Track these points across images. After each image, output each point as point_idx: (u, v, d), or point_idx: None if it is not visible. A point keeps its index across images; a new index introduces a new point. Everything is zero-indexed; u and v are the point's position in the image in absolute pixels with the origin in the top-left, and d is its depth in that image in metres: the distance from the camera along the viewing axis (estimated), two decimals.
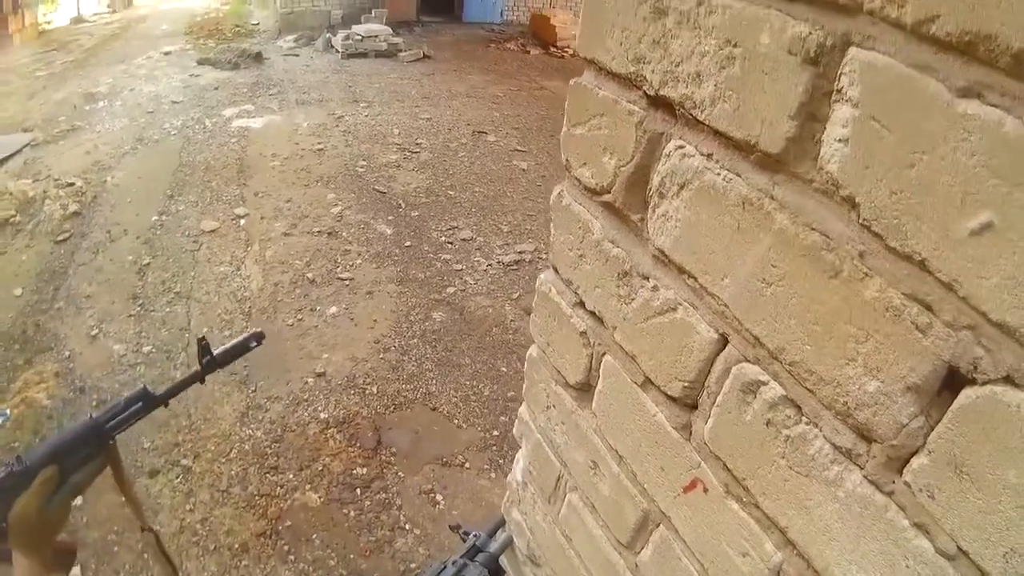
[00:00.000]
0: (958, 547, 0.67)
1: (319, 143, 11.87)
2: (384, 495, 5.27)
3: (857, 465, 0.77)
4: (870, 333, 0.71)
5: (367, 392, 6.28)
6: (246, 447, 5.60)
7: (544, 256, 8.25)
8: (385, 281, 7.98)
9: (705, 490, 1.05)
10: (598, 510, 1.40)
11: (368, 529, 5.00)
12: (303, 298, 7.55)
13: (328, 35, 18.43)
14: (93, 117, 12.67)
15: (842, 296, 0.73)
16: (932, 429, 0.68)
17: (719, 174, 0.87)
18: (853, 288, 0.72)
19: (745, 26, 0.78)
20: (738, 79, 0.80)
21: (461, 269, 8.36)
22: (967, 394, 0.64)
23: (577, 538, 1.52)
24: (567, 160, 1.25)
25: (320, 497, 5.21)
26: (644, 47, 0.96)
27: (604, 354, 1.26)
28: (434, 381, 6.50)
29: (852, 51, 0.67)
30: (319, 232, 8.90)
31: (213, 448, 5.56)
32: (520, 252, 8.80)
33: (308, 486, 5.30)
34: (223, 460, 5.47)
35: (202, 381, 1.85)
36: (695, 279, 0.96)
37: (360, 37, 17.75)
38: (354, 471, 5.45)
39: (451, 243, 8.94)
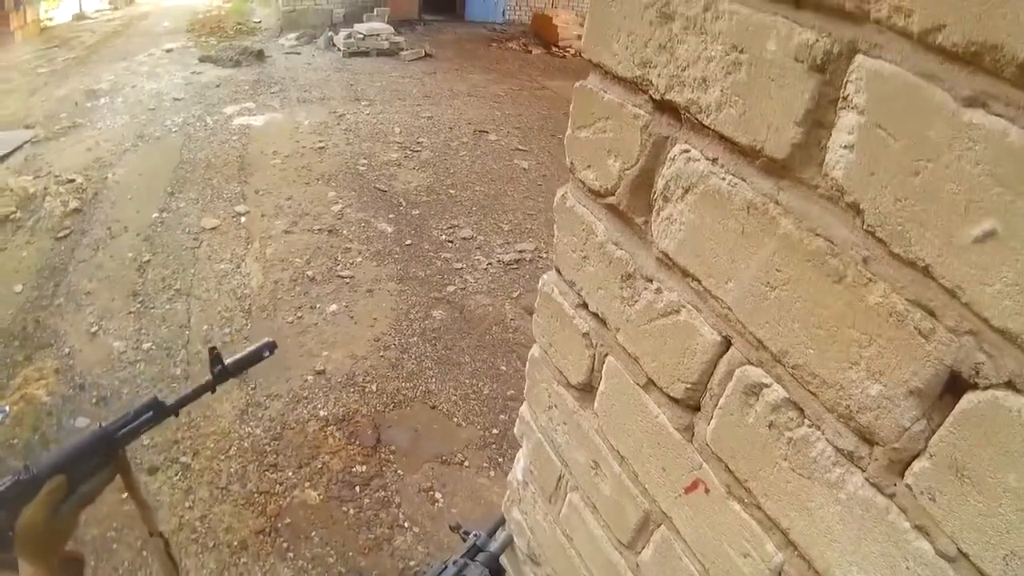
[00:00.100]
0: (958, 549, 0.68)
1: (320, 141, 11.85)
2: (383, 493, 5.26)
3: (859, 468, 0.78)
4: (873, 337, 0.72)
5: (367, 390, 6.27)
6: (245, 444, 5.59)
7: (545, 255, 8.28)
8: (385, 279, 7.97)
9: (707, 491, 1.05)
10: (599, 510, 1.41)
11: (367, 527, 4.99)
12: (303, 296, 7.54)
13: (330, 33, 18.40)
14: (94, 114, 12.65)
15: (846, 301, 0.74)
16: (934, 433, 0.69)
17: (724, 178, 0.88)
18: (857, 293, 0.72)
19: (752, 32, 0.78)
20: (744, 85, 0.81)
21: (461, 268, 8.35)
22: (969, 399, 0.65)
23: (578, 538, 1.53)
24: (571, 162, 1.25)
25: (319, 495, 5.21)
26: (650, 51, 0.96)
27: (606, 355, 1.27)
28: (434, 379, 6.50)
29: (859, 59, 0.68)
30: (320, 230, 8.89)
31: (212, 445, 5.56)
32: (520, 251, 8.79)
33: (307, 484, 5.29)
34: (222, 457, 5.47)
35: (213, 391, 1.85)
36: (699, 282, 0.96)
37: (362, 35, 17.73)
38: (353, 469, 5.45)
39: (451, 242, 8.93)
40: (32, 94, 13.69)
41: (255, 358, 1.91)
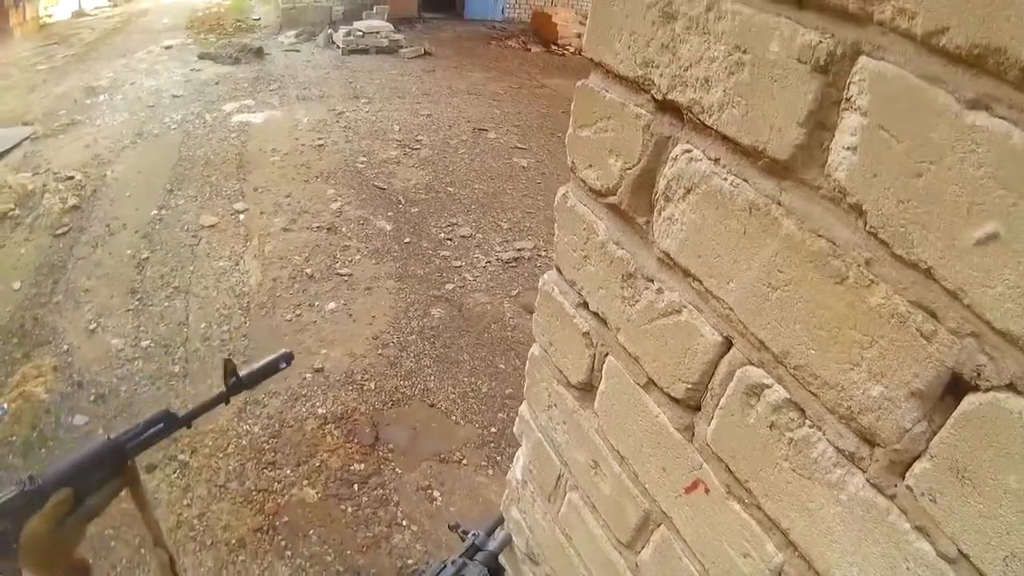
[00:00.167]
0: (959, 550, 0.68)
1: (319, 139, 11.84)
2: (381, 491, 5.26)
3: (860, 469, 0.78)
4: (875, 339, 0.72)
5: (365, 388, 6.27)
6: (243, 442, 5.59)
7: (543, 254, 8.28)
8: (384, 277, 7.96)
9: (707, 491, 1.05)
10: (599, 509, 1.41)
11: (365, 525, 4.99)
12: (302, 294, 7.54)
13: (329, 31, 18.39)
14: (93, 111, 12.63)
15: (848, 302, 0.74)
16: (935, 434, 0.69)
17: (726, 179, 0.88)
18: (859, 294, 0.73)
19: (755, 33, 0.78)
20: (747, 85, 0.81)
21: (460, 266, 8.35)
22: (970, 400, 0.65)
23: (577, 537, 1.53)
24: (572, 161, 1.25)
25: (317, 493, 5.21)
26: (652, 51, 0.96)
27: (607, 355, 1.27)
28: (432, 377, 6.49)
29: (862, 60, 0.68)
30: (318, 228, 8.88)
31: (211, 443, 5.55)
32: (519, 249, 8.79)
33: (305, 482, 5.29)
34: (220, 455, 5.46)
35: (227, 402, 1.81)
36: (700, 282, 0.96)
37: (361, 33, 17.71)
38: (352, 467, 5.44)
39: (450, 240, 8.93)
40: (31, 91, 13.66)
41: (271, 369, 1.87)
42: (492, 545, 1.99)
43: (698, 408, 1.04)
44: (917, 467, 0.71)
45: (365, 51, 17.56)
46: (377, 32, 17.87)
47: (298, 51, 17.62)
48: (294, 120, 12.68)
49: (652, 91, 0.98)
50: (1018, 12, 0.53)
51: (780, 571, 0.93)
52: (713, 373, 0.99)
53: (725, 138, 0.87)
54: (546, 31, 21.14)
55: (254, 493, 5.17)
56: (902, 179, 0.66)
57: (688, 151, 0.94)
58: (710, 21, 0.85)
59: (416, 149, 11.77)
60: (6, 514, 1.40)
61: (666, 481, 1.14)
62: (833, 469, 0.81)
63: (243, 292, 7.48)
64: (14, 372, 6.14)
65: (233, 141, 11.52)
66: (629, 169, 1.07)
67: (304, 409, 5.95)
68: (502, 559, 1.98)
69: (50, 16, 20.28)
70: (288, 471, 5.37)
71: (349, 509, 5.10)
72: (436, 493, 5.30)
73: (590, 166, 1.18)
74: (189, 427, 1.74)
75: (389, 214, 9.41)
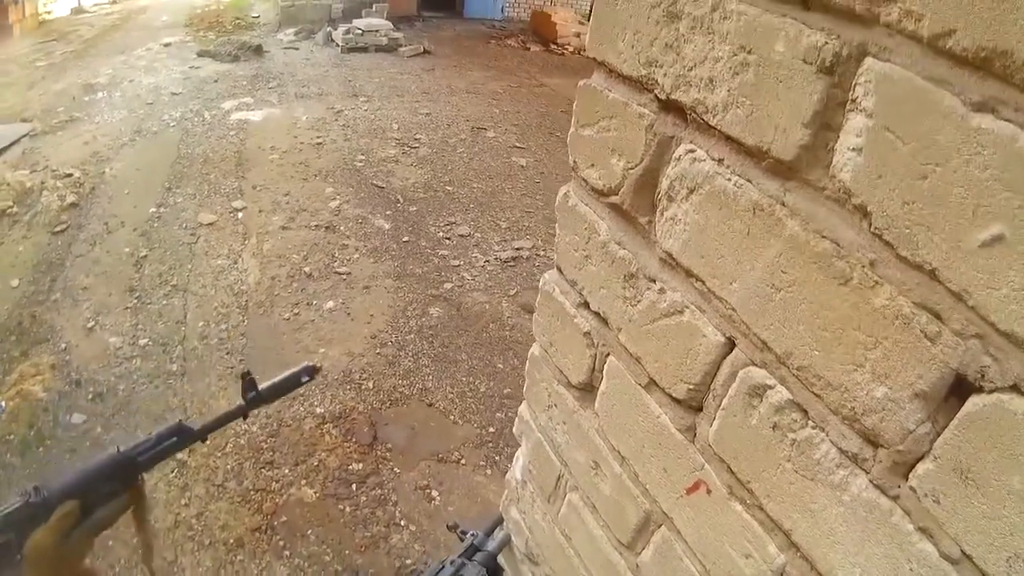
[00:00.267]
0: (962, 551, 0.68)
1: (318, 137, 11.84)
2: (380, 491, 5.26)
3: (863, 470, 0.78)
4: (879, 340, 0.72)
5: (363, 387, 6.27)
6: (242, 442, 5.58)
7: (542, 253, 8.29)
8: (382, 276, 7.96)
9: (708, 492, 1.05)
10: (599, 510, 1.41)
11: (364, 525, 4.99)
12: (300, 292, 7.53)
13: (328, 29, 18.37)
14: (92, 108, 12.62)
15: (852, 303, 0.74)
16: (938, 435, 0.69)
17: (730, 179, 0.88)
18: (863, 295, 0.73)
19: (760, 33, 0.78)
20: (752, 86, 0.81)
21: (458, 265, 8.35)
22: (974, 402, 0.65)
23: (577, 537, 1.53)
24: (574, 161, 1.25)
25: (316, 492, 5.21)
26: (656, 50, 0.96)
27: (608, 355, 1.27)
28: (430, 377, 6.49)
29: (868, 62, 0.68)
30: (317, 226, 8.87)
31: (209, 443, 5.50)
32: (518, 249, 8.79)
33: (304, 481, 5.29)
34: (218, 455, 5.46)
35: (245, 417, 1.76)
36: (703, 283, 0.96)
37: (360, 31, 17.70)
38: (350, 466, 5.44)
39: (449, 239, 8.93)
40: (30, 88, 13.65)
41: (293, 383, 1.80)
42: (491, 545, 1.98)
43: (700, 409, 1.04)
44: (920, 468, 0.71)
45: (364, 49, 17.55)
46: (376, 30, 17.86)
47: (297, 49, 17.61)
48: (293, 118, 12.67)
49: (655, 91, 0.98)
50: None
51: (782, 572, 0.93)
52: (715, 374, 0.99)
53: (729, 138, 0.87)
54: (545, 30, 21.14)
55: (252, 492, 5.16)
56: (907, 181, 0.66)
57: (691, 151, 0.94)
58: (715, 21, 0.85)
59: (415, 148, 11.76)
60: (10, 526, 1.37)
61: (667, 482, 1.14)
62: (836, 470, 0.81)
63: (241, 290, 7.47)
64: (12, 370, 6.13)
65: (232, 139, 11.52)
66: (631, 169, 1.07)
67: (302, 408, 5.95)
68: (501, 559, 1.98)
69: (49, 13, 20.26)
70: (286, 470, 5.37)
71: (347, 509, 5.10)
72: (434, 493, 5.30)
73: (592, 165, 1.18)
74: (204, 441, 1.71)
75: (387, 213, 9.41)
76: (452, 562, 1.94)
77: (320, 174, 10.42)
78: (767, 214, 0.83)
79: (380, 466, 5.48)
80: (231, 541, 4.80)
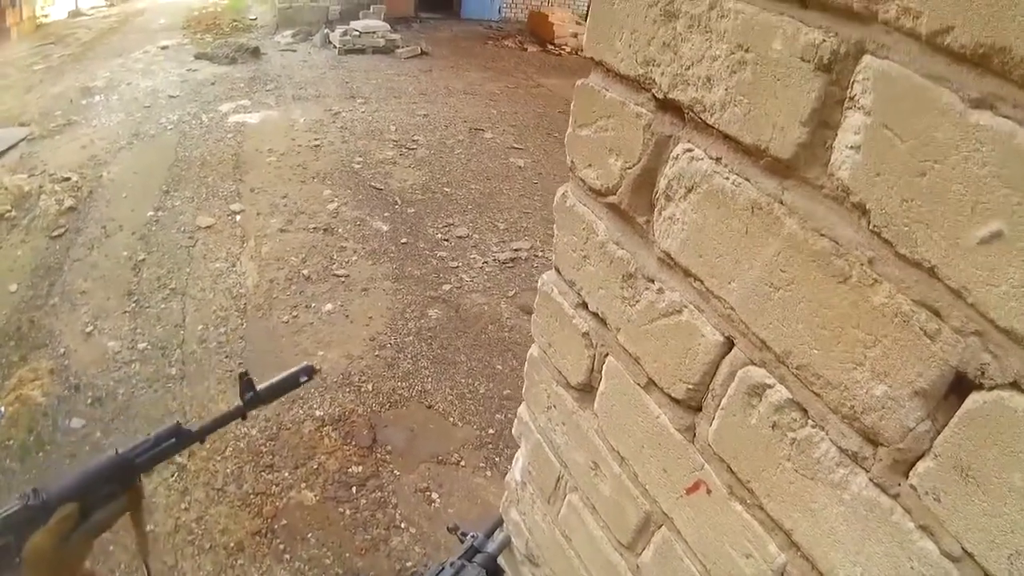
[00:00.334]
0: (963, 549, 0.68)
1: (315, 139, 11.84)
2: (380, 493, 5.26)
3: (863, 468, 0.78)
4: (878, 338, 0.72)
5: (362, 390, 6.27)
6: (241, 445, 5.58)
7: (540, 254, 8.29)
8: (381, 278, 7.96)
9: (708, 492, 1.05)
10: (599, 511, 1.41)
11: (364, 527, 4.99)
12: (298, 295, 7.53)
13: (326, 31, 18.38)
14: (89, 111, 12.62)
15: (851, 301, 0.74)
16: (939, 433, 0.69)
17: (728, 178, 0.88)
18: (862, 293, 0.72)
19: (757, 31, 0.78)
20: (749, 84, 0.81)
21: (457, 266, 8.35)
22: (974, 399, 0.65)
23: (577, 538, 1.53)
24: (572, 161, 1.25)
25: (315, 495, 5.21)
26: (654, 50, 0.96)
27: (607, 355, 1.26)
28: (429, 379, 6.49)
29: (866, 59, 0.68)
30: (315, 228, 8.87)
31: (208, 446, 5.53)
32: (516, 249, 8.79)
33: (303, 484, 5.29)
34: (218, 458, 5.46)
35: (244, 418, 1.77)
36: (701, 282, 0.96)
37: (358, 33, 17.71)
38: (349, 469, 5.44)
39: (447, 240, 8.93)
40: (28, 91, 13.65)
41: (291, 383, 1.81)
42: (491, 547, 1.98)
43: (699, 409, 1.04)
44: (921, 466, 0.71)
45: (362, 51, 17.56)
46: (374, 32, 17.88)
47: (295, 51, 17.63)
48: (290, 120, 12.68)
49: (653, 90, 0.98)
50: (1023, 12, 0.52)
51: (783, 572, 0.93)
52: (714, 373, 0.99)
53: (727, 137, 0.87)
54: (543, 31, 21.17)
55: (252, 496, 5.16)
56: (906, 178, 0.65)
57: (689, 150, 0.94)
58: (712, 20, 0.85)
59: (412, 149, 11.77)
60: (9, 528, 1.37)
61: (667, 482, 1.14)
62: (836, 469, 0.81)
63: (240, 294, 7.47)
64: (11, 375, 6.13)
65: (229, 142, 11.52)
66: (629, 168, 1.06)
67: (301, 411, 5.95)
68: (501, 561, 1.98)
69: (47, 16, 20.28)
70: (286, 474, 5.37)
71: (347, 512, 5.10)
72: (434, 495, 5.30)
73: (590, 165, 1.18)
74: (202, 443, 1.70)
75: (386, 215, 9.41)
76: (452, 564, 1.94)
77: (318, 176, 10.43)
78: (765, 213, 0.83)
79: (380, 469, 5.48)
80: (231, 545, 4.80)
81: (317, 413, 5.94)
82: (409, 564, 4.74)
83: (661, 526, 1.20)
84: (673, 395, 1.07)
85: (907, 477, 0.73)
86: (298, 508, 5.10)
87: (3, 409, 5.73)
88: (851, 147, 0.70)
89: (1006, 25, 0.54)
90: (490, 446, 5.77)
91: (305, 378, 1.83)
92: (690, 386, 1.03)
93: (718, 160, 0.90)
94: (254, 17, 21.10)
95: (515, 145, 12.45)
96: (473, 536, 2.03)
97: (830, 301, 0.76)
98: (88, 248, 8.12)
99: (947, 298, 0.65)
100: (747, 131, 0.82)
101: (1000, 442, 0.62)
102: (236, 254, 8.21)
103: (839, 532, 0.82)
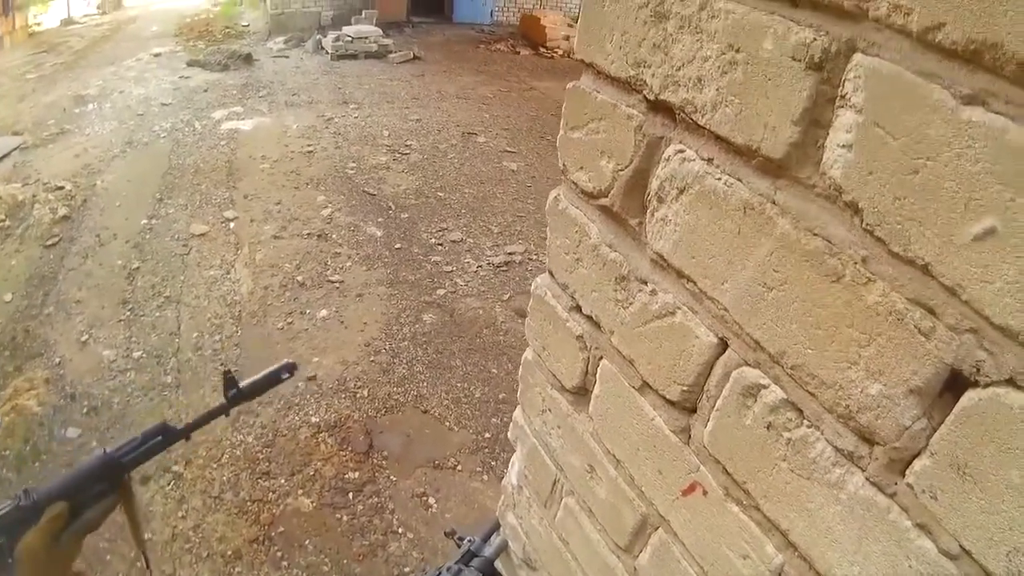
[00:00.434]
0: (961, 547, 0.68)
1: (309, 145, 11.84)
2: (376, 499, 5.26)
3: (859, 467, 0.78)
4: (873, 337, 0.72)
5: (358, 395, 6.26)
6: (237, 452, 5.58)
7: (534, 257, 8.29)
8: (375, 283, 7.96)
9: (704, 493, 1.05)
10: (595, 514, 1.40)
11: (361, 533, 4.99)
12: (293, 301, 7.53)
13: (318, 36, 18.40)
14: (83, 120, 12.63)
15: (844, 300, 0.74)
16: (935, 431, 0.68)
17: (720, 179, 0.88)
18: (856, 292, 0.72)
19: (748, 31, 0.78)
20: (740, 84, 0.80)
21: (451, 271, 8.35)
22: (970, 396, 0.64)
23: (574, 542, 1.52)
24: (564, 164, 1.24)
25: (312, 502, 5.20)
26: (644, 51, 0.96)
27: (601, 358, 1.26)
28: (425, 383, 6.49)
29: (857, 57, 0.67)
30: (309, 235, 8.88)
31: (204, 454, 5.54)
32: (510, 253, 8.80)
33: (300, 491, 5.28)
34: (214, 466, 5.45)
35: (227, 415, 1.83)
36: (694, 283, 0.96)
37: (350, 38, 17.73)
38: (346, 475, 5.44)
39: (441, 245, 8.93)
40: (21, 100, 13.66)
41: (273, 380, 1.87)
42: (488, 551, 1.98)
43: (694, 410, 1.04)
44: (917, 464, 0.71)
45: (354, 56, 17.59)
46: (366, 37, 17.90)
47: (287, 57, 17.64)
48: (283, 127, 12.69)
49: (644, 91, 0.98)
50: (1015, 7, 0.52)
51: (780, 572, 0.93)
52: (709, 375, 0.98)
53: (718, 138, 0.86)
54: (535, 34, 21.19)
55: (249, 503, 5.16)
56: (898, 176, 0.65)
57: (681, 151, 0.94)
58: (703, 20, 0.85)
59: (406, 154, 11.78)
60: (1, 529, 1.39)
61: (663, 484, 1.14)
62: (832, 469, 0.81)
63: (234, 301, 7.47)
64: (6, 385, 6.12)
65: (223, 149, 11.53)
66: (621, 170, 1.06)
67: (297, 418, 5.95)
68: (498, 565, 1.97)
69: (39, 24, 20.32)
70: (282, 481, 5.36)
71: (345, 518, 5.10)
72: (431, 500, 5.29)
73: (582, 168, 1.18)
74: (188, 440, 1.75)
75: (379, 220, 9.41)
76: (449, 569, 1.93)
77: (311, 182, 10.43)
78: (758, 213, 0.83)
79: (376, 474, 5.47)
80: (229, 553, 4.79)
81: (313, 419, 5.93)
82: (407, 569, 4.74)
83: (658, 528, 1.20)
84: (668, 397, 1.07)
85: (903, 476, 0.72)
86: (295, 515, 5.10)
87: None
88: (843, 146, 0.70)
89: (997, 21, 0.54)
90: (486, 450, 5.77)
91: (286, 375, 1.88)
92: (684, 388, 1.02)
93: (710, 161, 0.89)
94: (246, 23, 21.12)
95: (508, 149, 12.47)
96: (470, 540, 2.03)
97: (824, 300, 0.76)
98: (82, 257, 8.12)
99: (941, 296, 0.65)
100: (738, 131, 0.82)
101: (997, 439, 0.62)
102: (230, 261, 8.20)
103: (836, 532, 0.82)
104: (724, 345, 0.95)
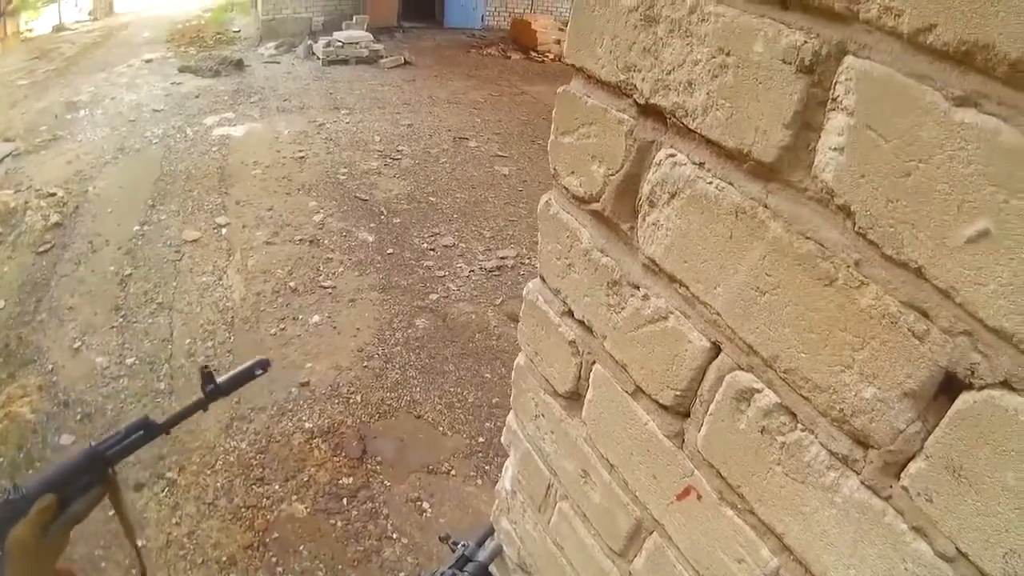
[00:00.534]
0: (957, 549, 0.68)
1: (300, 151, 11.84)
2: (371, 504, 5.25)
3: (854, 471, 0.77)
4: (866, 340, 0.72)
5: (351, 401, 6.26)
6: (231, 459, 5.57)
7: (527, 261, 8.29)
8: (367, 289, 7.96)
9: (699, 497, 1.05)
10: (589, 518, 1.40)
11: (355, 539, 4.98)
12: (285, 307, 7.53)
13: (309, 42, 18.40)
14: (75, 126, 12.62)
15: (837, 304, 0.73)
16: (929, 434, 0.68)
17: (711, 183, 0.87)
18: (849, 296, 0.72)
19: (738, 34, 0.78)
20: (731, 88, 0.80)
21: (443, 275, 8.35)
22: (964, 399, 0.64)
23: (569, 547, 1.52)
24: (555, 168, 1.24)
25: (306, 508, 5.20)
26: (634, 55, 0.96)
27: (594, 363, 1.26)
28: (418, 388, 6.49)
29: (848, 60, 0.67)
30: (301, 240, 8.88)
31: (198, 460, 5.54)
32: (502, 258, 8.80)
33: (294, 497, 5.28)
34: (208, 472, 5.45)
35: (205, 409, 1.86)
36: (687, 288, 0.96)
37: (341, 43, 17.74)
38: (340, 481, 5.44)
39: (433, 250, 8.94)
40: (12, 106, 13.63)
41: (247, 376, 1.92)
42: (482, 555, 1.98)
43: (687, 414, 1.03)
44: (912, 467, 0.70)
45: (345, 61, 17.59)
46: (357, 42, 17.90)
47: (278, 63, 17.64)
48: (275, 132, 12.68)
49: (635, 96, 0.98)
50: (1006, 7, 0.52)
51: (776, 575, 0.92)
52: (702, 379, 0.98)
53: (709, 141, 0.86)
54: (525, 38, 21.23)
55: (243, 510, 5.15)
56: (890, 179, 0.65)
57: (672, 155, 0.94)
58: (693, 24, 0.84)
59: (397, 159, 11.79)
60: None
61: (657, 488, 1.14)
62: (826, 472, 0.81)
63: (227, 307, 7.46)
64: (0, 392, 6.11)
65: (214, 155, 11.52)
66: (612, 175, 1.06)
67: (291, 424, 5.94)
68: (493, 569, 1.97)
69: (31, 31, 20.30)
70: (276, 487, 5.36)
71: (339, 523, 5.09)
72: (425, 505, 5.29)
73: (573, 173, 1.18)
74: (168, 434, 1.79)
75: (371, 225, 9.41)
76: (443, 573, 1.93)
77: (303, 188, 10.43)
78: (749, 217, 0.82)
79: (370, 479, 5.47)
80: (223, 559, 4.78)
81: (306, 425, 5.93)
82: (402, 574, 4.73)
83: (652, 533, 1.19)
84: (661, 402, 1.07)
85: (899, 479, 0.72)
86: (289, 521, 5.09)
87: None
88: (835, 149, 0.70)
89: (989, 22, 0.54)
90: (480, 455, 5.77)
91: (260, 371, 1.95)
92: (678, 392, 1.02)
93: (701, 165, 0.89)
94: (237, 29, 21.11)
95: (500, 153, 12.48)
96: (464, 545, 2.03)
97: (816, 304, 0.76)
98: (75, 263, 8.11)
99: (935, 298, 0.64)
100: (729, 135, 0.82)
101: (992, 441, 0.62)
102: (222, 267, 8.20)
103: (831, 535, 0.81)
104: (717, 349, 0.94)
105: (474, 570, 1.94)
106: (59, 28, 21.49)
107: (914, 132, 0.62)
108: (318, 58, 17.61)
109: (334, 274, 8.18)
